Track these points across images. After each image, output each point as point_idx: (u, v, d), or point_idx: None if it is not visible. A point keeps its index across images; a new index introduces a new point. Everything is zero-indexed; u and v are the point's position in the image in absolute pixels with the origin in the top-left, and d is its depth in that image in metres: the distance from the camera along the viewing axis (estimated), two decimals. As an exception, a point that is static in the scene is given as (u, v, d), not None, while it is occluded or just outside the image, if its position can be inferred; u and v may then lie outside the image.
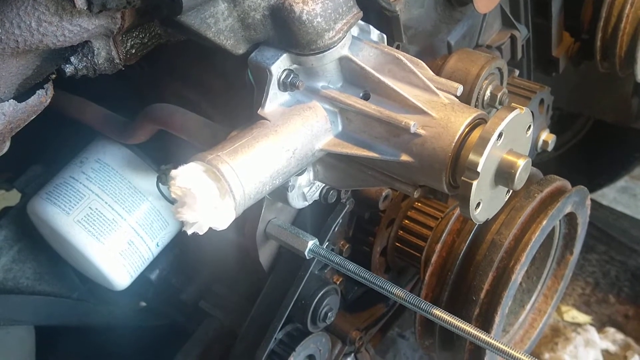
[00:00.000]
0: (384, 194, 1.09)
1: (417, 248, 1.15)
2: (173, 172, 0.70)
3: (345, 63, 0.81)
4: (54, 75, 0.75)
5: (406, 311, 1.38)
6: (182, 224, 0.72)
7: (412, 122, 0.77)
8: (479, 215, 0.80)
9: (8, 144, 0.77)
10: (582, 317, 1.95)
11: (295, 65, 0.80)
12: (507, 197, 0.85)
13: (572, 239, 1.25)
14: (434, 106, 0.79)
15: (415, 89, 0.81)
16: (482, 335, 0.85)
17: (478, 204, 0.78)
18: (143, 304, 1.36)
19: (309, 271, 1.05)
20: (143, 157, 1.10)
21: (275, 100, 0.81)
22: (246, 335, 1.09)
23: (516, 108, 0.77)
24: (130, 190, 1.08)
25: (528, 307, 1.30)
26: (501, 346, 0.84)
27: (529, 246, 1.03)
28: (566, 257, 1.28)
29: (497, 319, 1.03)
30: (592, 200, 1.23)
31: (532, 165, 0.84)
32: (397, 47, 0.98)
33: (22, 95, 0.73)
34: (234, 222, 0.74)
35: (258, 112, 0.80)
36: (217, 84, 1.05)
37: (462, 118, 0.77)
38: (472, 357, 1.10)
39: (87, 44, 0.73)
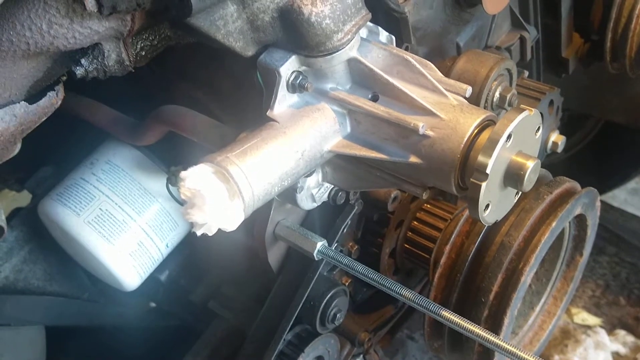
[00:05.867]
0: (392, 195, 1.09)
1: (426, 250, 1.15)
2: (182, 174, 0.71)
3: (354, 65, 0.81)
4: (64, 77, 0.76)
5: (415, 313, 1.38)
6: (192, 225, 0.72)
7: (421, 124, 0.77)
8: (488, 216, 0.80)
9: (19, 145, 0.77)
10: (592, 319, 1.93)
11: (304, 67, 0.80)
12: (516, 198, 0.85)
13: (582, 240, 1.25)
14: (442, 107, 0.79)
15: (423, 90, 0.81)
16: (491, 337, 0.85)
17: (487, 206, 0.78)
18: (153, 304, 1.37)
19: (318, 272, 1.05)
20: (153, 159, 1.10)
21: (284, 102, 0.81)
22: (255, 336, 1.10)
23: (525, 109, 0.77)
24: (140, 191, 1.09)
25: (537, 309, 1.30)
26: (510, 348, 0.84)
27: (539, 248, 1.02)
28: (576, 259, 1.27)
29: (506, 321, 1.03)
30: (602, 202, 1.23)
31: (541, 166, 0.84)
32: (406, 49, 0.98)
33: (33, 97, 0.73)
34: (243, 223, 0.74)
35: (267, 113, 0.80)
36: (226, 86, 1.06)
37: (471, 119, 0.77)
38: (481, 359, 1.10)
39: (98, 46, 0.73)
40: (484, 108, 1.07)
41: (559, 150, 1.33)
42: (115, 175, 1.09)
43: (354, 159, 0.84)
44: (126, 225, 1.08)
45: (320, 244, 0.97)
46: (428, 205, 1.18)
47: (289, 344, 1.09)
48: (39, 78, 0.73)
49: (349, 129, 0.83)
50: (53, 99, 0.75)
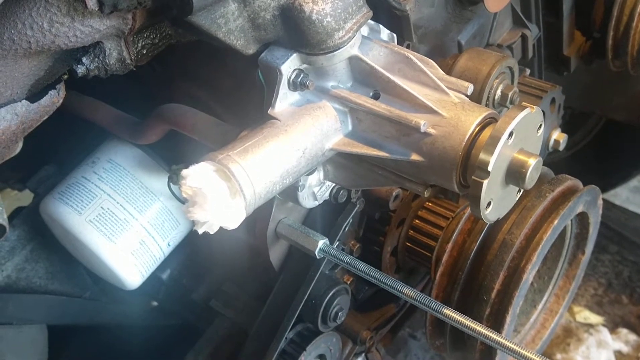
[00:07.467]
0: (394, 193, 1.09)
1: (428, 248, 1.15)
2: (184, 172, 0.71)
3: (355, 62, 0.81)
4: (65, 76, 0.76)
5: (417, 311, 1.38)
6: (193, 223, 0.72)
7: (422, 121, 0.77)
8: (490, 214, 0.80)
9: (21, 144, 0.77)
10: (594, 318, 1.93)
11: (305, 65, 0.80)
12: (518, 196, 0.84)
13: (584, 238, 1.25)
14: (444, 105, 0.79)
15: (425, 88, 0.81)
16: (493, 335, 0.85)
17: (489, 204, 0.78)
18: (154, 303, 1.37)
19: (320, 271, 1.05)
20: (154, 157, 1.10)
21: (285, 100, 0.81)
22: (257, 335, 1.10)
23: (527, 107, 0.77)
24: (142, 190, 1.09)
25: (540, 307, 1.30)
26: (512, 346, 0.84)
27: (541, 246, 1.02)
28: (578, 257, 1.27)
29: (508, 319, 1.03)
30: (604, 200, 1.22)
31: (543, 164, 0.84)
32: (407, 47, 0.99)
33: (34, 95, 0.73)
34: (244, 221, 0.74)
35: (268, 111, 0.80)
36: (227, 84, 1.06)
37: (473, 117, 0.77)
38: (483, 357, 1.10)
39: (99, 44, 0.73)
40: (486, 106, 1.07)
41: (561, 148, 1.33)
42: (117, 174, 1.09)
43: (355, 157, 0.84)
44: (128, 224, 1.08)
45: (322, 242, 0.97)
46: (429, 204, 1.18)
47: (291, 342, 1.09)
48: (40, 77, 0.73)
49: (350, 127, 0.83)
50: (54, 98, 0.75)
